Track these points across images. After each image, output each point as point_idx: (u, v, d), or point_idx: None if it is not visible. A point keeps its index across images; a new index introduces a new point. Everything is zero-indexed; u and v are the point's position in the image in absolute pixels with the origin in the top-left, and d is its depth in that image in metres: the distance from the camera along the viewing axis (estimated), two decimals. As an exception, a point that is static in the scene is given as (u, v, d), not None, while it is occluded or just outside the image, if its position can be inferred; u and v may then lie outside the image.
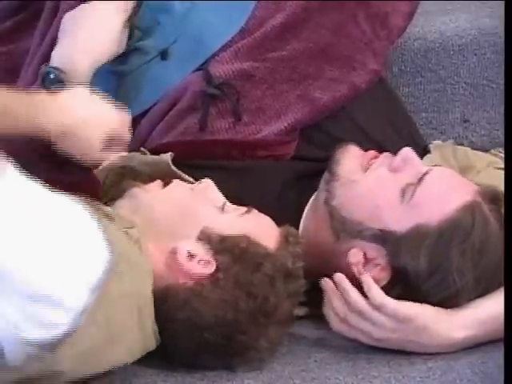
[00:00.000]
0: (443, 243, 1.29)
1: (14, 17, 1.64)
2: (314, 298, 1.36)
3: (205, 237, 1.15)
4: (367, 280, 1.28)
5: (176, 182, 1.23)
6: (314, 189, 1.39)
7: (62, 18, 1.48)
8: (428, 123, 1.67)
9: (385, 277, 1.30)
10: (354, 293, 1.27)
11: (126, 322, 1.06)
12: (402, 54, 1.65)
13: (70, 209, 1.02)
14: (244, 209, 1.21)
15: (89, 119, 1.22)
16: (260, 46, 1.45)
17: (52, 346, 1.01)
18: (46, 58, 1.43)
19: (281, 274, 1.18)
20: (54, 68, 1.26)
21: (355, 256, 1.31)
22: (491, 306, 1.30)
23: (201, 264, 1.15)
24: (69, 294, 0.98)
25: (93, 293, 0.99)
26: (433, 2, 1.78)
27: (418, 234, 1.29)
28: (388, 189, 1.32)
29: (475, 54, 1.71)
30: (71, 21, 1.39)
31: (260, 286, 1.15)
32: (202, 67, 1.44)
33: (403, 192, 1.30)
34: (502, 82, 1.68)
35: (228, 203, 1.24)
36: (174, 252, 1.14)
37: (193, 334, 1.12)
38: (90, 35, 1.34)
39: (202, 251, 1.13)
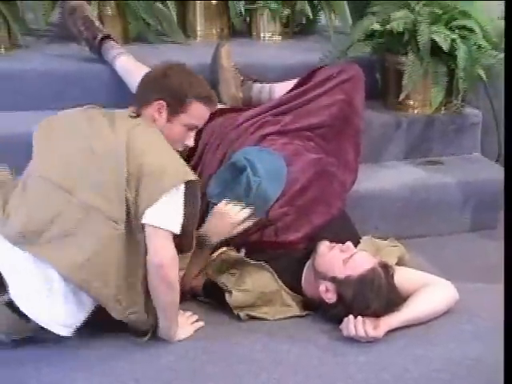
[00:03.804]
0: (360, 285, 2.06)
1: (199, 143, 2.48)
2: (311, 306, 2.22)
3: None
4: (368, 327, 2.03)
5: None
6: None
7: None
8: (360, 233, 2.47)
9: (334, 298, 2.11)
10: (361, 330, 2.02)
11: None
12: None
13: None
14: None
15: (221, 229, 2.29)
16: (289, 200, 2.34)
17: None
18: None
19: None
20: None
21: (322, 287, 2.13)
22: (395, 317, 2.09)
23: None
24: None
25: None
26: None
27: (348, 280, 2.09)
28: (338, 259, 2.14)
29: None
30: (218, 216, 2.27)
31: None
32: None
33: (344, 261, 2.12)
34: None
35: None
36: None
37: None
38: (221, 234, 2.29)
39: None
